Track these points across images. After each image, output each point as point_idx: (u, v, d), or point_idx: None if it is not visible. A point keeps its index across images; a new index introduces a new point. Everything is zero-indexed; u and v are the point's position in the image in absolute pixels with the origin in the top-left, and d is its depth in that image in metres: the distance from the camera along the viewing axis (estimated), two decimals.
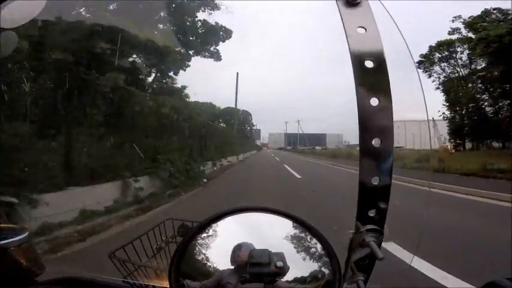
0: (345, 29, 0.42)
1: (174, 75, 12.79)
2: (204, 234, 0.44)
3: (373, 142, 0.41)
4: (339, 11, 0.43)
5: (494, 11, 16.85)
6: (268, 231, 0.45)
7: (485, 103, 18.97)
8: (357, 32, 0.42)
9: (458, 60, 20.24)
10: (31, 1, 0.62)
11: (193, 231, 0.45)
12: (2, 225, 0.62)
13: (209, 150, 11.98)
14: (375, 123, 0.41)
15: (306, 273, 0.42)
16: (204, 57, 13.91)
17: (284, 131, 68.28)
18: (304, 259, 0.43)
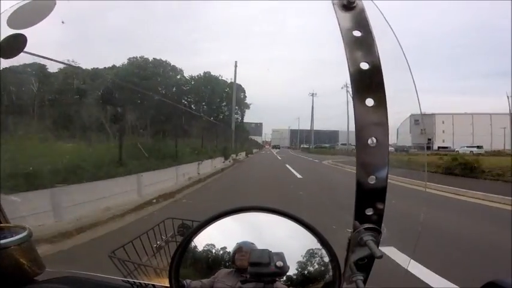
0: (341, 32, 0.44)
1: None
2: (205, 234, 0.45)
3: (368, 141, 0.42)
4: (336, 14, 0.44)
5: None
6: (268, 231, 0.45)
7: None
8: (353, 35, 0.43)
9: None
10: (41, 2, 0.61)
11: (193, 231, 0.45)
12: (2, 224, 0.62)
13: None
14: (370, 123, 0.42)
15: (305, 273, 0.43)
16: None
17: (289, 127, 52.15)
18: (304, 259, 0.43)
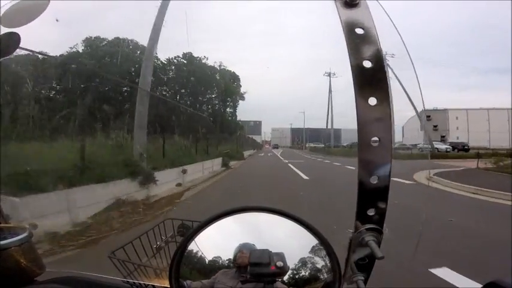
0: (343, 30, 0.43)
1: None
2: (205, 234, 0.44)
3: (371, 141, 0.42)
4: (338, 11, 0.43)
5: None
6: (268, 231, 0.45)
7: None
8: (356, 33, 0.43)
9: None
10: (34, 1, 0.62)
11: (193, 231, 0.45)
12: (3, 225, 0.62)
13: None
14: (372, 122, 0.42)
15: (306, 273, 0.43)
16: None
17: (291, 125, 44.86)
18: (304, 259, 0.43)
